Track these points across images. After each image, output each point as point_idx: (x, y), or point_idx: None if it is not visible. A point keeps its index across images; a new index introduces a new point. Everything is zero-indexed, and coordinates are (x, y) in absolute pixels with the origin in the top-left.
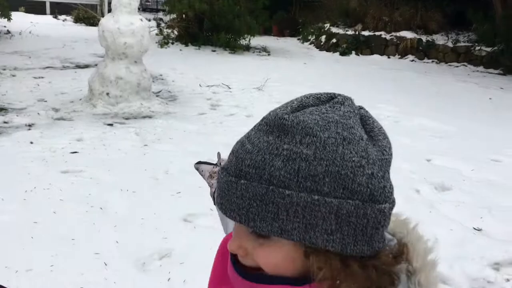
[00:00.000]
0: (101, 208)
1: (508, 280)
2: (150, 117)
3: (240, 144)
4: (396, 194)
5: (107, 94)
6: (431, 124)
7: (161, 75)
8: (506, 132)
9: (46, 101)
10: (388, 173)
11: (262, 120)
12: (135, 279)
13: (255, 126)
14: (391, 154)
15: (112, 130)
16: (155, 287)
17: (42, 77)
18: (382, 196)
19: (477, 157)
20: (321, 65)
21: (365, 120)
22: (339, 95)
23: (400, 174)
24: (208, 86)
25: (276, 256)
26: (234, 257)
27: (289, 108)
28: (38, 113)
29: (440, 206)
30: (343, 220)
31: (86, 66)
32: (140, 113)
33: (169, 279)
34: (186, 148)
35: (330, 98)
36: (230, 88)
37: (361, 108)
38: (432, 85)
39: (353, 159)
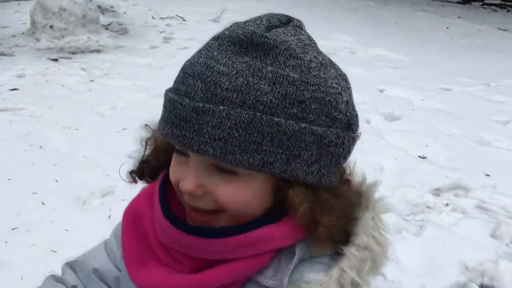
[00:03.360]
0: (40, 147)
1: (447, 204)
2: (98, 51)
3: (204, 65)
4: None
5: (51, 27)
6: (386, 55)
7: (111, 6)
8: (460, 61)
9: None
10: (353, 101)
11: (220, 39)
12: (73, 218)
13: (211, 46)
14: (350, 84)
15: (56, 65)
16: (94, 225)
17: None
18: (356, 124)
19: (428, 86)
20: None
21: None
22: (295, 18)
23: None
24: (161, 18)
25: (245, 192)
26: (171, 216)
27: (262, 26)
28: None
29: (388, 136)
30: (323, 150)
31: None
32: (88, 47)
33: (109, 216)
34: (135, 83)
35: (288, 20)
36: (184, 20)
37: None
38: (391, 15)
39: (333, 85)
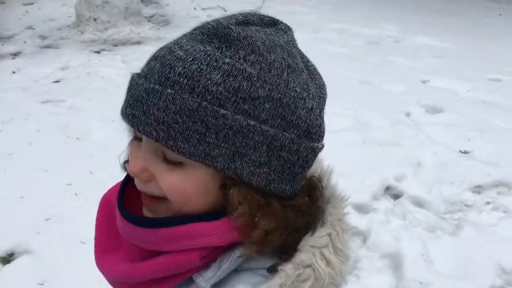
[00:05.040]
0: (78, 138)
1: (488, 203)
2: (139, 43)
3: (168, 50)
4: (382, 118)
5: (95, 19)
6: (432, 43)
7: None
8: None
9: (34, 28)
10: (323, 112)
11: (195, 29)
12: None
13: (185, 35)
14: (327, 94)
15: (98, 57)
16: None
17: (32, 3)
18: (317, 134)
19: (475, 77)
20: None
21: (302, 56)
22: (282, 22)
23: (391, 97)
24: (203, 9)
25: (187, 183)
26: (122, 206)
27: (233, 20)
28: (25, 41)
29: (428, 129)
30: (274, 153)
31: None
32: (130, 39)
33: None
34: None
35: (273, 23)
36: (225, 11)
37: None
38: (439, 1)
39: (296, 89)
